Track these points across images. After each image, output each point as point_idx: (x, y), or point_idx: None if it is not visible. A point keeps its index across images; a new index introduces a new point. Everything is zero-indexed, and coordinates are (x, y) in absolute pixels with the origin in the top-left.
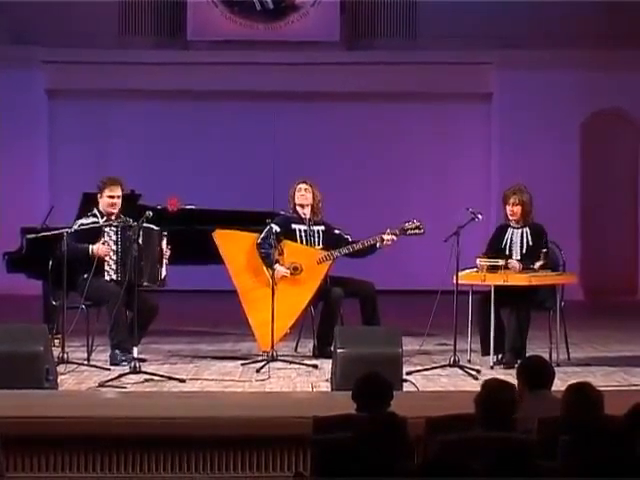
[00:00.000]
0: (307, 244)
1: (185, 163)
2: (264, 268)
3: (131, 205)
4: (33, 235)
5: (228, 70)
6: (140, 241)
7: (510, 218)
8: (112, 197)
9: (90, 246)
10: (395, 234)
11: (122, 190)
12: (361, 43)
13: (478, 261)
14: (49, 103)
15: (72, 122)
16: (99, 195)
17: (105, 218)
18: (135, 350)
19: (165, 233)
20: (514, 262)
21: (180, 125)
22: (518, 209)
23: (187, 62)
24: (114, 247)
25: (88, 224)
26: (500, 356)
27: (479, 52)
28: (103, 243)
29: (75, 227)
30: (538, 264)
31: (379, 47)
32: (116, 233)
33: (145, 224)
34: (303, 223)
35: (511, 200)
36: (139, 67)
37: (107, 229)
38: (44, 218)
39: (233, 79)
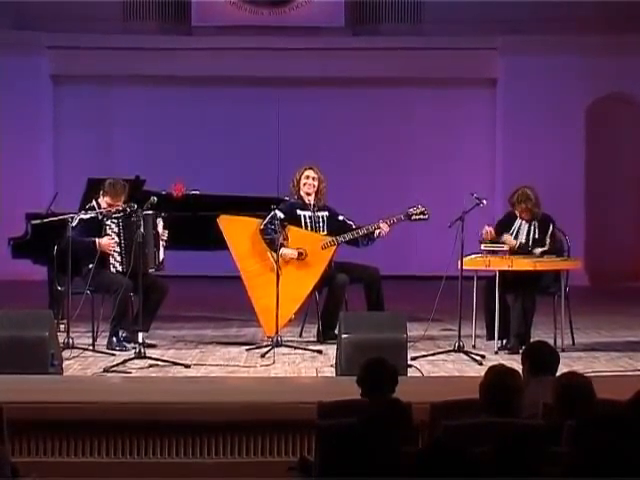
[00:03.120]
0: (312, 230)
1: (189, 149)
2: (268, 253)
3: (135, 191)
4: (38, 221)
5: (232, 56)
6: (142, 229)
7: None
8: (111, 205)
9: (97, 240)
10: (400, 220)
11: (124, 199)
12: (366, 28)
13: (482, 246)
14: (53, 89)
15: (76, 108)
16: (101, 193)
17: (105, 212)
18: (140, 336)
19: (161, 216)
20: (507, 236)
21: (184, 111)
22: (527, 214)
23: (191, 48)
24: (117, 239)
25: (87, 219)
26: (505, 341)
27: (484, 37)
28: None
29: (74, 222)
30: (540, 250)
31: (384, 32)
32: (117, 225)
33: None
34: (308, 209)
35: (518, 208)
36: (143, 52)
37: (108, 222)
38: (49, 204)
39: (237, 65)
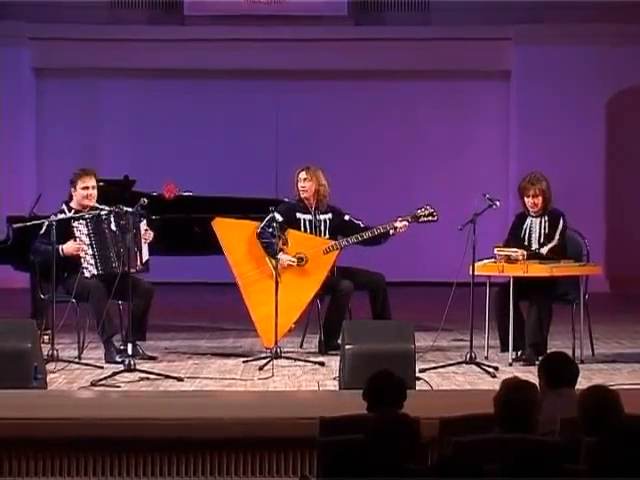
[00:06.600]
0: (312, 234)
1: (182, 146)
2: (267, 259)
3: (125, 192)
4: (20, 224)
5: (228, 47)
6: (113, 227)
7: (531, 210)
8: (87, 188)
9: (60, 246)
10: (407, 221)
11: (97, 180)
12: (370, 17)
13: (496, 251)
14: (36, 82)
15: (61, 103)
16: (72, 189)
17: (73, 212)
18: (130, 347)
19: (145, 216)
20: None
21: (177, 106)
22: (539, 200)
23: (184, 39)
24: (87, 241)
25: (56, 221)
26: (520, 352)
27: (496, 27)
28: (74, 239)
29: (43, 229)
30: (546, 248)
31: (389, 22)
32: (86, 226)
33: (125, 209)
34: (309, 212)
35: (531, 192)
36: (132, 44)
37: (76, 223)
38: (32, 206)
39: (233, 56)
